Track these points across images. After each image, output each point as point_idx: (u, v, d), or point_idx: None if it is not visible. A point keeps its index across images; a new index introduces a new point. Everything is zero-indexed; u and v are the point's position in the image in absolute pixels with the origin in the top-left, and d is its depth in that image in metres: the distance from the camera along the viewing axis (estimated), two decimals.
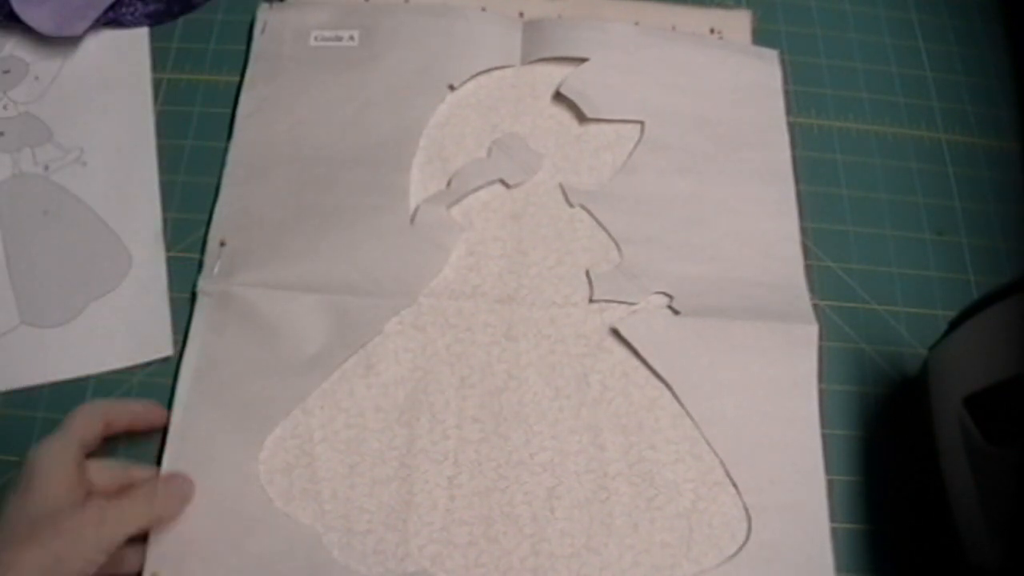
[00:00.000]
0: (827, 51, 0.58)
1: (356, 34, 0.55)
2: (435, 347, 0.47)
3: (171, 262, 0.49)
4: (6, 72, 0.54)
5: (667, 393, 0.46)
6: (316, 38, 0.55)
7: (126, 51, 0.55)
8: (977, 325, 0.41)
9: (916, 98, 0.56)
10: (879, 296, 0.50)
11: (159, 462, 0.43)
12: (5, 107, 0.53)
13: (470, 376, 0.46)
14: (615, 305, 0.48)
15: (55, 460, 0.38)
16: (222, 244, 0.49)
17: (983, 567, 0.40)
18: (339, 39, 0.55)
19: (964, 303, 0.43)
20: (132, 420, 0.43)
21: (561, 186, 0.51)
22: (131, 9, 0.56)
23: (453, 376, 0.46)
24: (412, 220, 0.49)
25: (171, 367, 0.46)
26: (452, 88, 0.53)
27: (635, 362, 0.47)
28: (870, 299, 0.50)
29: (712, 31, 0.57)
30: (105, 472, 0.41)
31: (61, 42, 0.55)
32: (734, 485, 0.44)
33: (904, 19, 0.59)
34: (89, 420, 0.41)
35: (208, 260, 0.48)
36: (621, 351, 0.47)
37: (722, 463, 0.45)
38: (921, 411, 0.46)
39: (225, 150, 0.52)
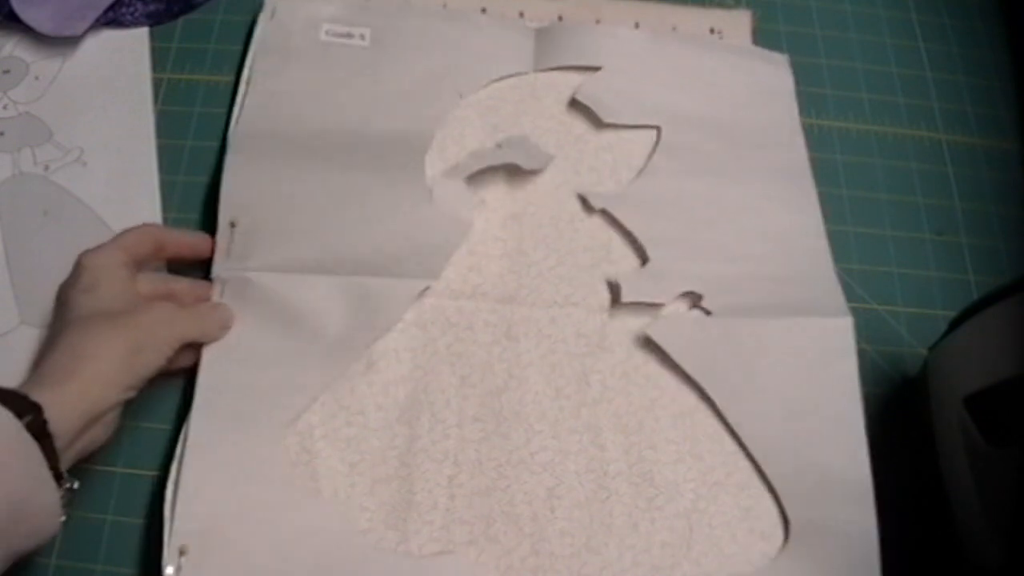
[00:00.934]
0: (827, 51, 0.58)
1: (367, 33, 0.55)
2: (436, 346, 0.47)
3: (171, 262, 0.49)
4: (6, 72, 0.54)
5: (668, 393, 0.46)
6: (327, 32, 0.55)
7: (126, 51, 0.55)
8: (977, 325, 0.41)
9: (916, 98, 0.57)
10: (879, 296, 0.50)
11: (171, 451, 0.43)
12: (5, 107, 0.53)
13: (471, 375, 0.46)
14: (616, 305, 0.48)
15: (112, 267, 0.42)
16: (232, 225, 0.48)
17: (983, 567, 0.41)
18: (350, 36, 0.54)
19: (964, 303, 0.43)
20: (180, 247, 0.46)
21: (580, 192, 0.51)
22: (131, 9, 0.56)
23: (453, 375, 0.46)
24: (430, 196, 0.49)
25: None
26: (463, 97, 0.53)
27: (636, 362, 0.47)
28: (870, 299, 0.50)
29: (712, 31, 0.57)
30: (148, 284, 0.44)
31: (61, 42, 0.55)
32: (773, 493, 0.43)
33: (904, 19, 0.59)
34: (141, 238, 0.44)
35: (220, 243, 0.47)
36: (622, 351, 0.47)
37: (759, 470, 0.44)
38: (921, 411, 0.46)
39: (223, 137, 0.51)
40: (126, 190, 0.51)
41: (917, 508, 0.45)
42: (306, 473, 0.43)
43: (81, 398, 0.37)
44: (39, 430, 0.35)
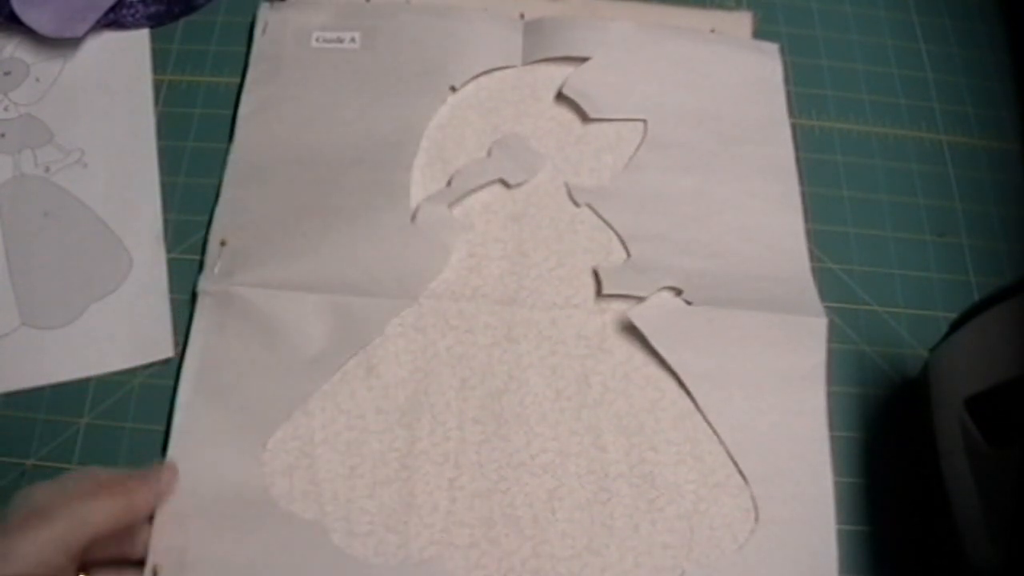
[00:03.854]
0: (828, 53, 0.58)
1: (357, 36, 0.55)
2: (436, 349, 0.47)
3: (172, 263, 0.49)
4: (7, 74, 0.54)
5: (668, 394, 0.46)
6: (318, 39, 0.55)
7: (127, 53, 0.55)
8: (978, 326, 0.41)
9: (917, 99, 0.56)
10: (880, 297, 0.50)
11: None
12: (6, 109, 0.53)
13: (471, 378, 0.46)
14: (616, 306, 0.48)
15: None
16: (223, 244, 0.49)
17: (984, 569, 0.40)
18: (340, 41, 0.55)
19: (965, 304, 0.43)
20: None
21: (566, 185, 0.51)
22: (132, 11, 0.56)
23: (454, 378, 0.46)
24: (413, 219, 0.49)
25: (172, 368, 0.46)
26: (453, 89, 0.54)
27: (636, 363, 0.47)
28: (871, 300, 0.50)
29: (713, 32, 0.57)
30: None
31: (62, 44, 0.55)
32: (742, 475, 0.44)
33: (905, 20, 0.59)
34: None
35: (208, 260, 0.48)
36: (622, 352, 0.47)
37: (729, 454, 0.44)
38: (922, 413, 0.46)
39: (226, 151, 0.52)
40: (127, 192, 0.51)
41: (917, 508, 0.45)
42: (306, 477, 0.43)
43: None
44: None
